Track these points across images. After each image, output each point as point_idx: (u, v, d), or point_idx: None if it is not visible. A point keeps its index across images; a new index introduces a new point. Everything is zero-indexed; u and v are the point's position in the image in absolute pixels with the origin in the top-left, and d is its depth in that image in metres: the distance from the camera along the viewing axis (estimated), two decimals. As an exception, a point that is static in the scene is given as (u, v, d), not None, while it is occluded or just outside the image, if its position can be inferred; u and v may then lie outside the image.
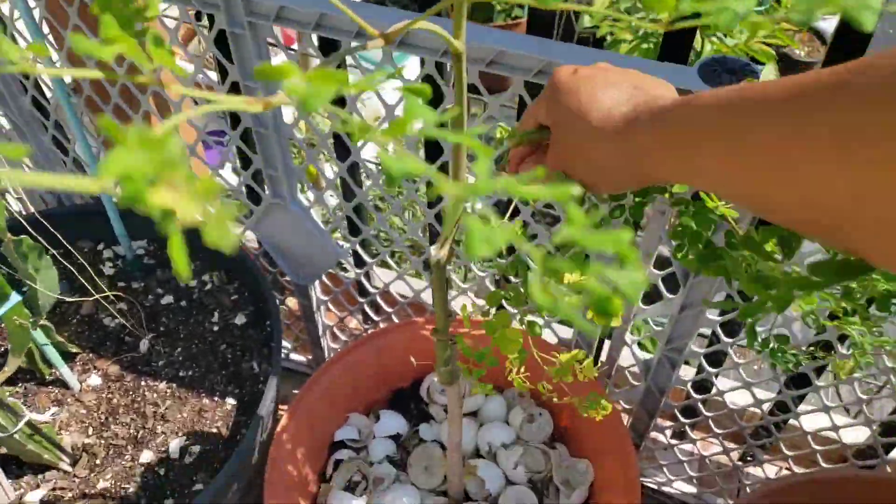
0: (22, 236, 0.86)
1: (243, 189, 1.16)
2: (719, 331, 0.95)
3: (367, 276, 1.22)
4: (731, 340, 0.95)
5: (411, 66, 2.02)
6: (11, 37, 1.10)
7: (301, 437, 1.02)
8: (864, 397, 0.96)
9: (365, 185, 1.06)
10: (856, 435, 1.04)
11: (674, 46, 0.79)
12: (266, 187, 1.09)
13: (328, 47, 0.92)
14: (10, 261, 0.86)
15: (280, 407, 1.38)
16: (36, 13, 0.97)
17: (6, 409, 0.84)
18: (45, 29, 1.08)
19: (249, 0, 0.82)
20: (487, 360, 0.75)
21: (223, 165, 1.12)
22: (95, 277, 1.19)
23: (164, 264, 1.24)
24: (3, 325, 0.92)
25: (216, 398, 1.05)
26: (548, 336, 1.13)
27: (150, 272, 1.23)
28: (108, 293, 1.02)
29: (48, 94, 1.21)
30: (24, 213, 1.58)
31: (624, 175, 0.50)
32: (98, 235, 1.26)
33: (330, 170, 1.62)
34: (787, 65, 2.40)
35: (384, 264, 1.18)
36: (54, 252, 1.05)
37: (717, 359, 1.03)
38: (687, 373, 1.07)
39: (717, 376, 1.01)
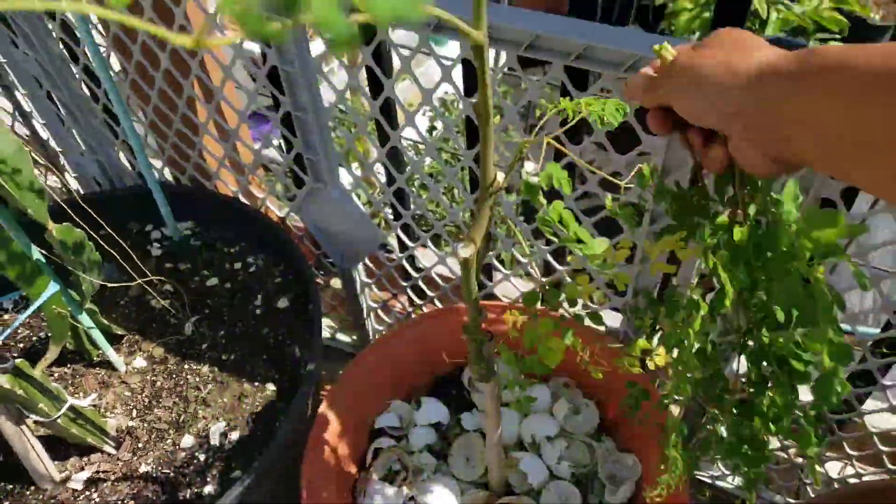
0: (65, 224, 0.86)
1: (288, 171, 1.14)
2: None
3: (411, 259, 1.19)
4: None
5: (452, 46, 1.98)
6: None
7: (340, 423, 1.01)
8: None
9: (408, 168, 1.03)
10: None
11: (729, 10, 0.74)
12: (308, 171, 1.07)
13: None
14: (54, 249, 0.87)
15: (326, 387, 1.38)
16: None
17: (49, 395, 0.85)
18: None
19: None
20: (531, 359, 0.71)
21: (269, 143, 1.11)
22: (142, 260, 1.20)
23: (210, 246, 1.25)
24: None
25: (257, 383, 1.05)
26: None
27: (197, 253, 1.23)
28: (151, 277, 1.03)
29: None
30: (81, 192, 1.61)
31: (756, 133, 0.46)
32: (147, 217, 1.27)
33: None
34: (861, 30, 2.25)
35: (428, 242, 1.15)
36: (106, 232, 1.06)
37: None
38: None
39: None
